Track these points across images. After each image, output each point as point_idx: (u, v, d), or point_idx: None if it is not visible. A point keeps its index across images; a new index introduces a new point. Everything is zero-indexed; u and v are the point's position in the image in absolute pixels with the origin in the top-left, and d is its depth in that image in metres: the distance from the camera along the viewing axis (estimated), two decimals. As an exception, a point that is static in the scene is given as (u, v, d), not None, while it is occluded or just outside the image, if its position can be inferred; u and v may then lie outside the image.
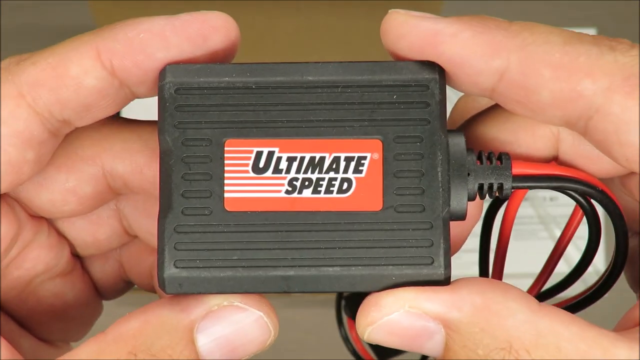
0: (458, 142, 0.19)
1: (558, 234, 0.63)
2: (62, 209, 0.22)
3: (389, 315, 0.18)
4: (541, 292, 0.22)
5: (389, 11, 0.18)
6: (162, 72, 0.19)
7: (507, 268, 0.22)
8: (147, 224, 0.23)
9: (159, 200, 0.19)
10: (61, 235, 0.23)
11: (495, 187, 0.19)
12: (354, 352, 0.41)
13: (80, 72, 0.19)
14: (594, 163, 0.20)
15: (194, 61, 0.19)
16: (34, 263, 0.22)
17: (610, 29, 0.56)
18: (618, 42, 0.17)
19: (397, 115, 0.18)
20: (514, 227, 0.22)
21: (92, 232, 0.24)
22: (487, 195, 0.19)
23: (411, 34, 0.18)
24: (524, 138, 0.20)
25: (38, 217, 0.22)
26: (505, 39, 0.17)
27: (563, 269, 0.66)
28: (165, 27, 0.19)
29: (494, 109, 0.21)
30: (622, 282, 0.60)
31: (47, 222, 0.23)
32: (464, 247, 0.23)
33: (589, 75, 0.17)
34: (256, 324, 0.18)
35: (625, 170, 0.19)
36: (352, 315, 0.37)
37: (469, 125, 0.21)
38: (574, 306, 0.22)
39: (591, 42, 0.17)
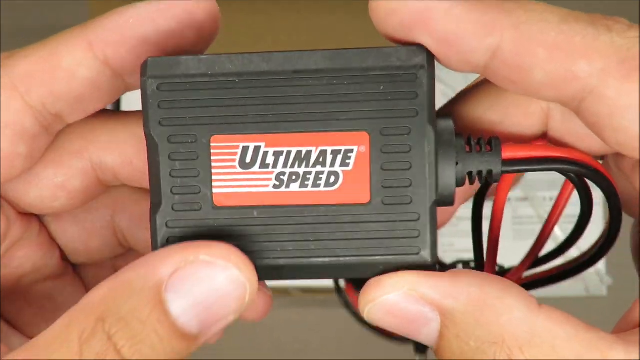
0: (446, 129, 0.19)
1: (558, 234, 0.63)
2: (51, 204, 0.22)
3: (388, 295, 0.18)
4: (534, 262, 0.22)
5: None
6: (144, 66, 0.18)
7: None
8: (144, 237, 0.23)
9: (150, 196, 0.19)
10: (52, 238, 0.23)
11: (484, 173, 0.19)
12: (355, 315, 0.41)
13: (72, 63, 0.19)
14: (584, 141, 0.20)
15: (183, 42, 0.19)
16: (22, 261, 0.22)
17: (610, 29, 0.56)
18: (615, 22, 0.17)
19: (384, 106, 0.18)
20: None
21: (84, 241, 0.23)
22: (476, 180, 0.19)
23: (401, 10, 0.18)
24: (514, 115, 0.20)
25: (27, 215, 0.22)
26: (499, 16, 0.17)
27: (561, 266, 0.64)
28: (151, 9, 0.19)
29: (483, 85, 0.20)
30: (621, 282, 0.60)
31: (37, 222, 0.23)
32: (464, 246, 0.23)
33: (584, 56, 0.16)
34: (227, 278, 0.17)
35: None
36: (353, 281, 0.35)
37: (457, 103, 0.21)
38: (564, 274, 0.22)
39: (588, 21, 0.17)
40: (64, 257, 0.24)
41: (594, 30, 0.17)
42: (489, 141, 0.19)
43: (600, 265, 0.56)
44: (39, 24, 0.69)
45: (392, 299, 0.18)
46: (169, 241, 0.19)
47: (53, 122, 0.20)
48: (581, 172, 0.19)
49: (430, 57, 0.18)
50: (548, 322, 0.17)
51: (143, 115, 0.19)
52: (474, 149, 0.19)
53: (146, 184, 0.20)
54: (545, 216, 0.24)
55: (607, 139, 0.17)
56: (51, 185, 0.21)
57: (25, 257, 0.22)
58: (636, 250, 0.22)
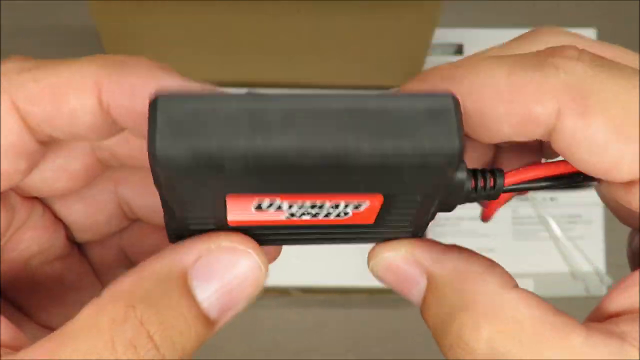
0: (460, 181, 0.19)
1: (558, 234, 0.63)
2: (54, 186, 0.22)
3: (389, 253, 0.20)
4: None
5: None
6: (153, 107, 0.16)
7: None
8: (148, 203, 0.24)
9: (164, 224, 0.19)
10: (57, 218, 0.24)
11: (483, 197, 0.20)
12: None
13: (77, 106, 0.19)
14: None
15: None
16: (28, 244, 0.23)
17: (610, 29, 0.56)
18: (561, 57, 0.17)
19: (403, 187, 0.18)
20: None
21: (90, 217, 0.24)
22: (481, 186, 0.20)
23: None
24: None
25: (31, 199, 0.22)
26: (456, 87, 0.18)
27: (563, 268, 0.65)
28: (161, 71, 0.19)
29: None
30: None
31: (40, 203, 0.23)
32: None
33: (538, 103, 0.17)
34: (247, 264, 0.18)
35: None
36: None
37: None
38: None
39: (534, 65, 0.17)
40: (69, 237, 0.24)
41: (541, 73, 0.17)
42: (492, 172, 0.20)
43: (600, 265, 0.56)
44: (39, 24, 0.69)
45: (392, 257, 0.20)
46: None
47: (49, 140, 0.20)
48: (577, 180, 0.20)
49: (462, 145, 0.16)
50: (518, 301, 0.18)
51: (153, 177, 0.17)
52: (479, 184, 0.19)
53: (145, 163, 0.19)
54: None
55: (575, 166, 0.19)
56: (52, 168, 0.22)
57: (31, 240, 0.23)
58: (632, 258, 0.22)
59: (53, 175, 0.22)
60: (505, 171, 0.20)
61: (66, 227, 0.24)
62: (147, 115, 0.16)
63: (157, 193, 0.18)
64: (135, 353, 0.17)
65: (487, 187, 0.20)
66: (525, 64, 0.18)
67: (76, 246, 0.25)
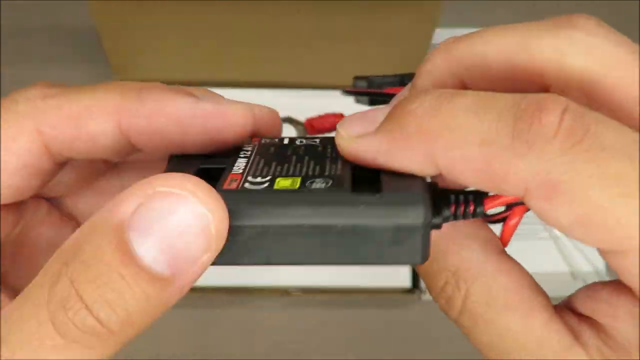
0: (436, 225, 0.20)
1: (558, 234, 0.63)
2: (58, 188, 0.23)
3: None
4: None
5: (336, 130, 0.20)
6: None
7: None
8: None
9: None
10: (66, 212, 0.24)
11: (468, 206, 0.21)
12: None
13: (97, 131, 0.20)
14: None
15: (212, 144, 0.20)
16: (36, 241, 0.23)
17: (610, 29, 0.56)
18: (536, 135, 0.16)
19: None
20: None
21: (97, 203, 0.24)
22: (462, 214, 0.21)
23: (355, 156, 0.19)
24: None
25: (36, 197, 0.23)
26: (427, 147, 0.18)
27: (563, 268, 0.65)
28: (185, 113, 0.20)
29: None
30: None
31: (46, 201, 0.23)
32: None
33: (505, 182, 0.17)
34: (186, 209, 0.16)
35: None
36: None
37: None
38: None
39: (508, 138, 0.17)
40: None
41: (512, 153, 0.17)
42: (473, 198, 0.20)
43: (600, 265, 0.56)
44: (39, 24, 0.69)
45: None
46: None
47: (67, 160, 0.21)
48: None
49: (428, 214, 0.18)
50: (497, 268, 0.19)
51: None
52: (459, 211, 0.20)
53: (105, 154, 0.21)
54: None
55: None
56: (59, 176, 0.22)
57: (39, 236, 0.23)
58: None
59: (58, 179, 0.22)
60: (486, 197, 0.20)
61: (76, 221, 0.24)
62: (163, 136, 0.20)
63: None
64: (64, 314, 0.16)
65: (466, 213, 0.20)
66: (499, 134, 0.17)
67: None
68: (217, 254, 0.17)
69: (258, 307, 0.56)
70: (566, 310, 0.19)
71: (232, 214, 0.17)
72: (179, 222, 0.16)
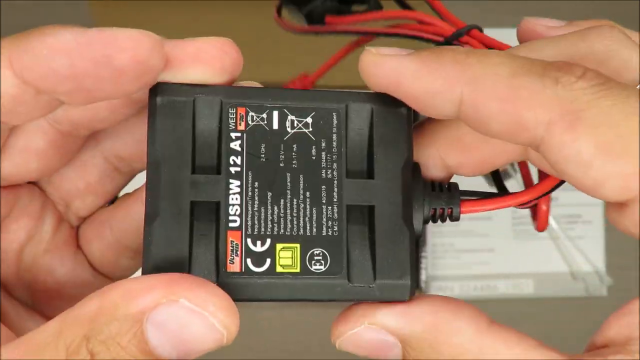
0: (417, 182, 0.21)
1: (558, 234, 0.63)
2: (29, 168, 0.22)
3: (353, 330, 0.20)
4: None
5: (364, 49, 0.20)
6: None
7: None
8: (136, 146, 0.24)
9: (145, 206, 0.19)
10: (48, 202, 0.24)
11: (446, 211, 0.22)
12: None
13: None
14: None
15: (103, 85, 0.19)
16: (17, 234, 0.23)
17: (610, 29, 0.56)
18: (565, 73, 0.18)
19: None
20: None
21: (80, 179, 0.24)
22: (439, 220, 0.22)
23: (378, 74, 0.20)
24: (498, 142, 0.22)
25: (15, 188, 0.23)
26: (458, 73, 0.18)
27: (563, 268, 0.65)
28: (69, 43, 0.19)
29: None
30: (621, 282, 0.60)
31: (28, 191, 0.23)
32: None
33: (530, 109, 0.18)
34: (203, 323, 0.18)
35: None
36: None
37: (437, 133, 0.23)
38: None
39: (538, 73, 0.18)
40: (65, 218, 0.24)
41: (541, 83, 0.18)
42: (448, 186, 0.22)
43: (600, 265, 0.56)
44: (39, 24, 0.69)
45: (357, 332, 0.20)
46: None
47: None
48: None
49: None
50: (495, 342, 0.18)
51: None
52: (437, 189, 0.22)
53: (108, 123, 0.21)
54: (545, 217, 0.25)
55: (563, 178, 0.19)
56: (18, 152, 0.22)
57: (19, 229, 0.23)
58: None
59: (22, 158, 0.22)
60: (462, 200, 0.22)
61: (63, 208, 0.24)
62: (63, 78, 0.19)
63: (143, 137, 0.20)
64: None
65: (444, 217, 0.22)
66: (530, 70, 0.18)
67: (73, 236, 0.25)
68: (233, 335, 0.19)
69: (258, 306, 0.56)
70: (595, 345, 0.19)
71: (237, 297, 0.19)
72: (194, 332, 0.18)
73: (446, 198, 0.22)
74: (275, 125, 0.20)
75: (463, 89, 0.18)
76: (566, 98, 0.17)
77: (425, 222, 0.21)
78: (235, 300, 0.19)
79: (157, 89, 0.20)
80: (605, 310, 0.19)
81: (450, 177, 0.23)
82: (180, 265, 0.19)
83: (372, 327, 0.20)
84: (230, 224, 0.19)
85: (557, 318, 0.57)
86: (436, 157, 0.23)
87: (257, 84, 0.22)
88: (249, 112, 0.20)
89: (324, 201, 0.20)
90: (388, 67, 0.20)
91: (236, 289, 0.19)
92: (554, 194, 0.22)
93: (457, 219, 0.22)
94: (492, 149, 0.22)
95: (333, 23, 0.26)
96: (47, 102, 0.20)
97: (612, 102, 0.17)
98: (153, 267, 0.19)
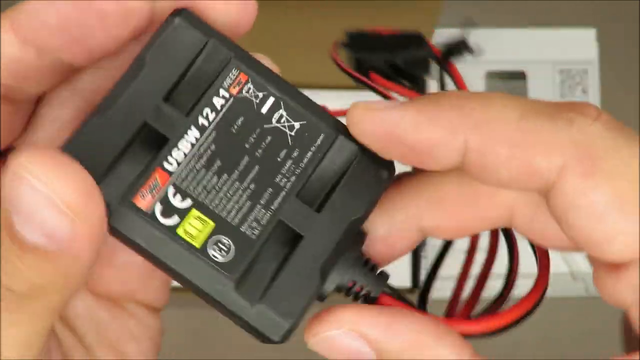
0: (355, 253, 0.20)
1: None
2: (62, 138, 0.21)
3: (329, 332, 0.19)
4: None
5: (351, 105, 0.19)
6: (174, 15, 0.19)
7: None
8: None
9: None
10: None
11: (364, 291, 0.20)
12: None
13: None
14: (547, 239, 0.20)
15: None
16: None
17: (610, 29, 0.56)
18: (578, 114, 0.17)
19: None
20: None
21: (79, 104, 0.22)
22: (352, 295, 0.21)
23: (370, 130, 0.18)
24: (483, 206, 0.20)
25: None
26: (461, 119, 0.17)
27: (563, 268, 0.65)
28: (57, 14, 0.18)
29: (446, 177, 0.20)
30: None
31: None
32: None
33: (543, 153, 0.16)
34: (31, 192, 0.16)
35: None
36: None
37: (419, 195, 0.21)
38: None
39: (549, 115, 0.17)
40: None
41: (553, 125, 0.16)
42: (380, 272, 0.21)
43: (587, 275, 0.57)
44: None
45: (333, 335, 0.19)
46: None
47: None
48: None
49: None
50: None
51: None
52: (368, 268, 0.20)
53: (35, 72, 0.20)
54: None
55: (565, 232, 0.18)
56: (48, 121, 0.21)
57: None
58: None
59: (53, 127, 0.21)
60: (383, 293, 0.20)
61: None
62: (55, 25, 0.18)
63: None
64: None
65: (359, 296, 0.20)
66: (540, 111, 0.17)
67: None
68: (92, 222, 0.16)
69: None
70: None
71: (126, 229, 0.18)
72: (27, 204, 0.16)
73: (371, 281, 0.20)
74: (264, 110, 0.20)
75: (468, 136, 0.17)
76: (582, 141, 0.16)
77: (338, 289, 0.20)
78: (118, 232, 0.18)
79: (181, 12, 0.19)
80: (605, 310, 0.19)
81: (419, 241, 0.21)
82: (95, 168, 0.17)
83: (351, 333, 0.19)
84: (165, 165, 0.19)
85: (557, 318, 0.57)
86: (414, 217, 0.20)
87: (269, 61, 0.22)
88: (248, 82, 0.20)
89: (262, 202, 0.19)
90: (381, 121, 0.18)
91: (127, 222, 0.18)
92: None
93: (370, 302, 0.20)
94: (475, 213, 0.20)
95: (375, 80, 0.25)
96: (54, 65, 0.19)
97: (631, 152, 0.16)
98: (70, 151, 0.18)
